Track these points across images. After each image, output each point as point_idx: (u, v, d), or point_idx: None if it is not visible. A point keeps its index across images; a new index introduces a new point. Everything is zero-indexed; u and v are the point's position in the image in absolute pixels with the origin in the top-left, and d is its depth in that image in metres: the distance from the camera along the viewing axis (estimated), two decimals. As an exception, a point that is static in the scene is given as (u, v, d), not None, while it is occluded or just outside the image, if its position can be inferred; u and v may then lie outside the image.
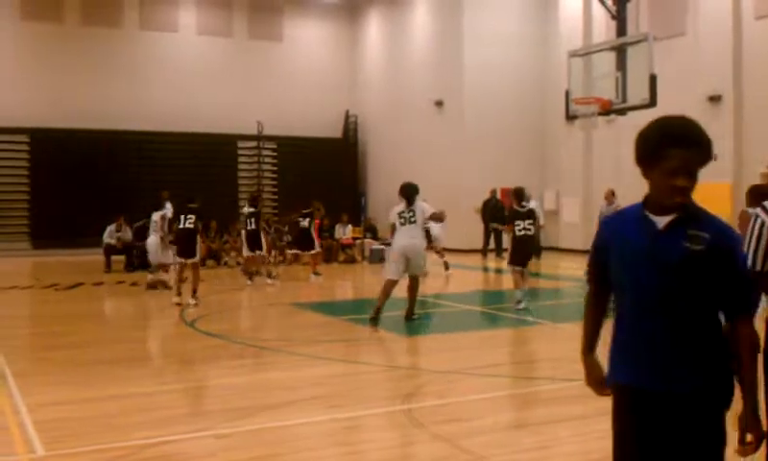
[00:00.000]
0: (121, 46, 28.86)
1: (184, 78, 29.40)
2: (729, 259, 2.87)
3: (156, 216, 16.41)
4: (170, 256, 15.76)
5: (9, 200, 27.25)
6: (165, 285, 15.70)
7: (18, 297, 15.95)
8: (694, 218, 2.91)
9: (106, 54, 28.48)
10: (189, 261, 13.78)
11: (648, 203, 3.00)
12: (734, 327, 2.91)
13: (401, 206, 11.56)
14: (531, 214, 13.38)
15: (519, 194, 13.46)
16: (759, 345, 2.98)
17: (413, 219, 11.42)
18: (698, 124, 2.95)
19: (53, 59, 27.73)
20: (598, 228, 3.28)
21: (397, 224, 11.51)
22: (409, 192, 11.63)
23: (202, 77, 29.65)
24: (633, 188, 18.77)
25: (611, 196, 19.57)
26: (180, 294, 13.77)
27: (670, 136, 2.89)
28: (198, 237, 13.87)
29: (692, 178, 2.88)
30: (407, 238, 11.44)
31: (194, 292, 13.70)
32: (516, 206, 13.29)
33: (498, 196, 24.02)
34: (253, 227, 17.19)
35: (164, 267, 16.51)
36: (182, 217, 13.88)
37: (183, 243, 13.83)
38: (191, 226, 13.71)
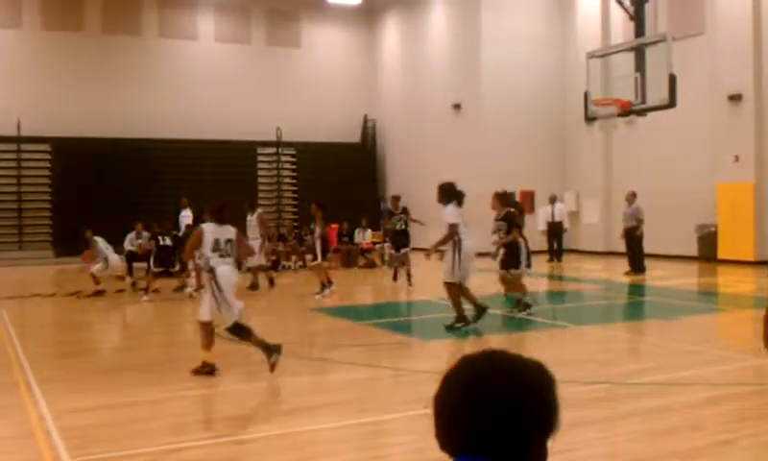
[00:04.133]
0: (141, 54, 29.08)
1: (203, 85, 29.56)
2: None
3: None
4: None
5: (32, 208, 27.51)
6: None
7: (42, 305, 16.07)
8: None
9: (125, 62, 28.71)
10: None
11: None
12: None
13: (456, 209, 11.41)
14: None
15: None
16: None
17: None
18: None
19: (73, 67, 27.97)
20: None
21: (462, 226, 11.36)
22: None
23: (221, 84, 29.79)
24: (653, 189, 18.59)
25: (631, 198, 19.49)
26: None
27: None
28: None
29: None
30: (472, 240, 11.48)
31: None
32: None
33: (518, 198, 23.94)
34: (404, 226, 18.16)
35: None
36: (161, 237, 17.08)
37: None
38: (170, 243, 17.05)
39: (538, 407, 1.72)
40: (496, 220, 13.04)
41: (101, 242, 17.47)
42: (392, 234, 18.97)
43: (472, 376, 1.72)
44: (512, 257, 12.79)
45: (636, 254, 19.32)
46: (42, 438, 6.28)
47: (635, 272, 19.00)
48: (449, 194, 11.48)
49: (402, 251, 17.95)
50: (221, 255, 8.49)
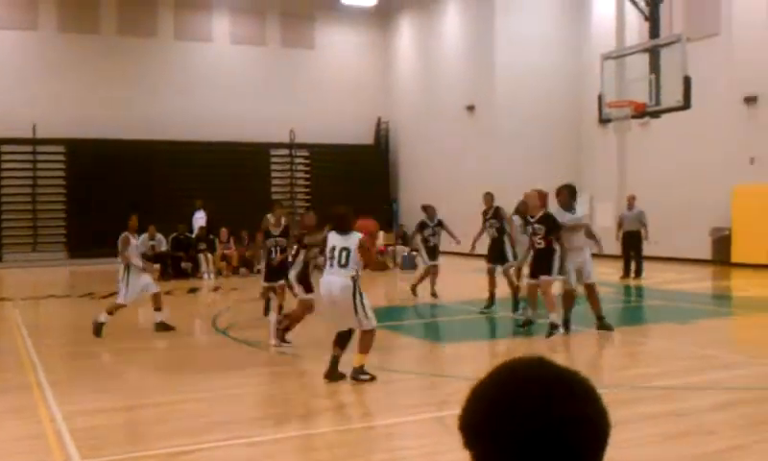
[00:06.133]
0: (156, 56, 29.22)
1: (218, 87, 29.65)
2: None
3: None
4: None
5: (46, 210, 27.65)
6: None
7: (55, 306, 16.15)
8: None
9: (141, 64, 28.86)
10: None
11: None
12: None
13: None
14: None
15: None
16: None
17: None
18: None
19: (89, 69, 28.13)
20: None
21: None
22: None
23: (235, 85, 29.88)
24: (668, 192, 18.38)
25: (632, 200, 19.43)
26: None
27: None
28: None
29: None
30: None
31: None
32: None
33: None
34: (437, 242, 15.65)
35: None
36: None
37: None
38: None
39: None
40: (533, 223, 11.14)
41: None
42: (425, 249, 16.01)
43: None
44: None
45: (638, 258, 19.07)
46: (54, 439, 6.30)
47: (635, 276, 18.78)
48: (573, 194, 11.26)
49: (432, 262, 15.75)
50: None
